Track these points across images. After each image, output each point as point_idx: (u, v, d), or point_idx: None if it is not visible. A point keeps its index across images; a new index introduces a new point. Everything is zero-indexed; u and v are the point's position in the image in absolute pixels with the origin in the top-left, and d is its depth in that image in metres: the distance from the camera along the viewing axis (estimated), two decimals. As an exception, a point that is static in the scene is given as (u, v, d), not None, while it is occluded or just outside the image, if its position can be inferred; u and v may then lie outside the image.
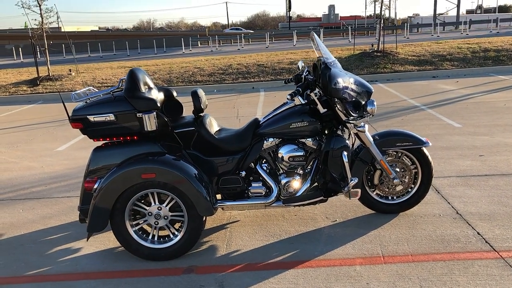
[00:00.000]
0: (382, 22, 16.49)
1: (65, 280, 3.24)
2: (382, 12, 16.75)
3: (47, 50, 14.87)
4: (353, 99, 3.48)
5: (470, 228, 3.59)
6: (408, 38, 26.51)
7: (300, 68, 3.87)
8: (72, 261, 3.48)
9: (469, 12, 72.33)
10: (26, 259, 3.55)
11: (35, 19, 14.97)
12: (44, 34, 14.72)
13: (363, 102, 3.53)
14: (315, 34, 3.88)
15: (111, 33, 60.19)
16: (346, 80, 3.47)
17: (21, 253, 3.65)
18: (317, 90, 3.58)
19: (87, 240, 3.46)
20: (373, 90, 3.60)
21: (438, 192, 4.34)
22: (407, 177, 3.83)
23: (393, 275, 3.02)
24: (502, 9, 71.18)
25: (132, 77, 3.38)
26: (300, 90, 3.54)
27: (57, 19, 15.73)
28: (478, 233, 3.50)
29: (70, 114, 3.38)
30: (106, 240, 3.75)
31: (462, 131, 6.58)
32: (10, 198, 4.97)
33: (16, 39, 39.66)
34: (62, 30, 27.55)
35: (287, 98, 3.53)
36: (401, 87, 11.17)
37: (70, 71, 15.76)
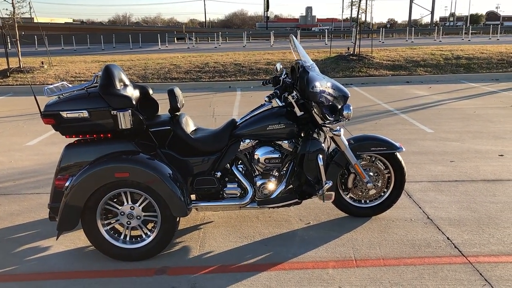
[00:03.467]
0: (358, 26, 16.69)
1: (33, 280, 3.15)
2: (359, 16, 16.97)
3: (18, 41, 14.44)
4: (330, 103, 3.51)
5: (440, 233, 3.66)
6: (383, 42, 26.94)
7: (278, 70, 3.87)
8: (41, 260, 3.39)
9: (442, 19, 74.00)
10: (-8, 258, 3.44)
11: (6, 9, 14.56)
12: (16, 24, 14.33)
13: (340, 106, 3.55)
14: (293, 37, 3.89)
15: (86, 26, 59.15)
16: (323, 84, 3.49)
17: (-13, 251, 3.54)
18: (294, 93, 3.59)
19: (56, 239, 3.37)
20: (349, 95, 3.63)
21: (410, 197, 4.41)
22: (380, 181, 3.88)
23: (365, 278, 3.06)
24: (473, 17, 73.08)
25: (108, 73, 3.31)
26: (278, 92, 3.55)
27: (30, 9, 15.34)
28: (447, 238, 3.58)
29: (42, 109, 3.29)
30: (77, 239, 3.67)
31: (434, 137, 6.72)
32: (-24, 193, 4.81)
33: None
34: (35, 21, 26.86)
35: (265, 100, 3.53)
36: (375, 91, 11.33)
37: (43, 63, 15.39)
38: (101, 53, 24.32)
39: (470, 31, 31.58)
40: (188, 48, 27.51)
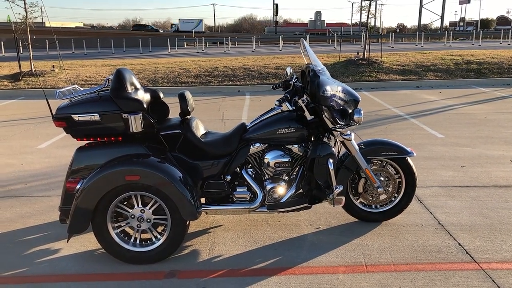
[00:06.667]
0: (367, 30, 16.65)
1: (44, 281, 3.16)
2: (368, 21, 16.93)
3: (30, 45, 14.60)
4: (341, 107, 3.49)
5: (452, 239, 3.63)
6: (392, 47, 26.84)
7: (289, 74, 3.88)
8: (51, 263, 3.41)
9: (452, 24, 73.63)
10: (3, 259, 3.46)
11: (19, 13, 14.68)
12: (28, 29, 14.48)
13: (350, 111, 3.54)
14: (304, 41, 3.89)
15: (96, 30, 59.61)
16: (334, 88, 3.48)
17: (-2, 253, 3.57)
18: (305, 97, 3.58)
19: (67, 241, 3.39)
20: (360, 99, 3.62)
21: (421, 202, 4.38)
22: (391, 186, 3.85)
23: (376, 284, 3.03)
24: (484, 22, 72.65)
25: (119, 77, 3.34)
26: (288, 96, 3.55)
27: (42, 13, 15.48)
28: (459, 244, 3.54)
29: (54, 112, 3.32)
30: (87, 242, 3.69)
31: (445, 142, 6.67)
32: (-12, 195, 4.85)
33: (-1, 32, 38.85)
34: (47, 25, 27.11)
35: (275, 104, 3.54)
36: (385, 96, 11.28)
37: (53, 67, 15.51)
38: (111, 57, 24.49)
39: (481, 36, 31.35)
40: (198, 52, 27.61)
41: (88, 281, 3.15)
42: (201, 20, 39.04)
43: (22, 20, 14.48)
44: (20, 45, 15.38)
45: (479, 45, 27.15)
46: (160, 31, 39.80)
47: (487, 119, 8.18)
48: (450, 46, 27.13)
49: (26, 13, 14.39)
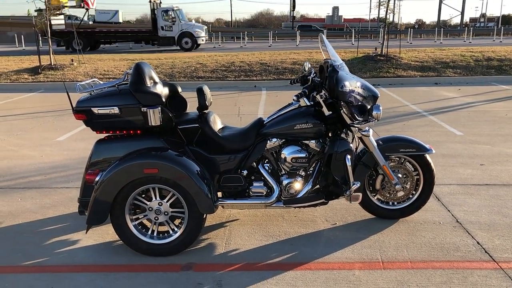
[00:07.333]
0: (386, 26, 16.46)
1: (63, 272, 3.22)
2: (387, 16, 16.74)
3: (49, 39, 14.79)
4: (359, 103, 3.47)
5: (470, 237, 3.59)
6: (411, 43, 26.52)
7: (307, 70, 3.86)
8: (70, 253, 3.47)
9: (472, 20, 72.40)
10: (24, 249, 3.53)
11: (39, 7, 14.88)
12: (48, 23, 14.66)
13: (369, 107, 3.51)
14: (323, 36, 3.87)
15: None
16: (353, 84, 3.46)
17: (19, 243, 3.63)
18: (323, 92, 3.57)
19: (86, 233, 3.43)
20: (379, 95, 3.59)
21: (439, 200, 4.33)
22: (409, 183, 3.82)
23: (392, 281, 3.02)
24: (505, 18, 71.26)
25: (138, 70, 3.36)
26: (306, 91, 3.54)
27: (63, 8, 15.67)
28: (477, 243, 3.50)
29: (74, 105, 3.36)
30: (105, 233, 3.74)
31: (464, 139, 6.58)
32: (9, 186, 4.94)
33: (19, 26, 39.34)
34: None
35: (293, 99, 3.53)
36: (403, 92, 11.16)
37: (72, 61, 15.69)
38: (129, 51, 24.69)
39: (502, 32, 30.75)
40: (214, 47, 27.66)
41: (106, 272, 3.20)
42: (117, 11, 38.66)
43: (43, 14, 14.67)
44: (40, 39, 15.54)
45: (500, 41, 26.65)
46: (324, 31, 38.86)
47: (507, 117, 8.04)
48: (470, 42, 26.70)
49: (46, 7, 14.57)
